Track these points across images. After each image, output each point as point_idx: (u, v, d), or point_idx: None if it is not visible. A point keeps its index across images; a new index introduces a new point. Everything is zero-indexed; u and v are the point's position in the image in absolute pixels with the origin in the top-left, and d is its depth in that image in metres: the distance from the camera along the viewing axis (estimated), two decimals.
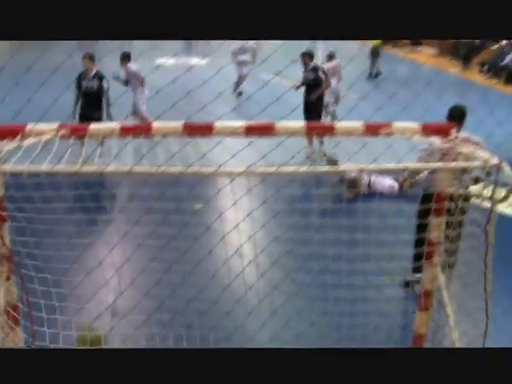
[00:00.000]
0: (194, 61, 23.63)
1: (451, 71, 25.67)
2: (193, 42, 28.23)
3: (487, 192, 4.47)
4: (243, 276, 4.95)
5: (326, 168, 4.78)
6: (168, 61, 20.29)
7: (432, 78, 17.00)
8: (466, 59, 27.43)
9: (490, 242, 4.42)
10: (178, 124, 4.46)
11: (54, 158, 3.71)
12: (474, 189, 4.83)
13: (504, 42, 26.22)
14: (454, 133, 5.10)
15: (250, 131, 4.78)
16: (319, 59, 17.55)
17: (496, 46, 26.62)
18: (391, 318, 6.55)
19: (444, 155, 4.82)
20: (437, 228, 5.14)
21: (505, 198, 4.39)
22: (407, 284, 8.02)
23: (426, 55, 30.85)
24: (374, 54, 23.98)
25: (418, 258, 5.37)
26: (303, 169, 4.50)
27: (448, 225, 5.12)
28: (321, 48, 22.76)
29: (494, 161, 4.55)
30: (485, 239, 4.41)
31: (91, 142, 4.16)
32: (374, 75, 23.51)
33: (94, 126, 4.02)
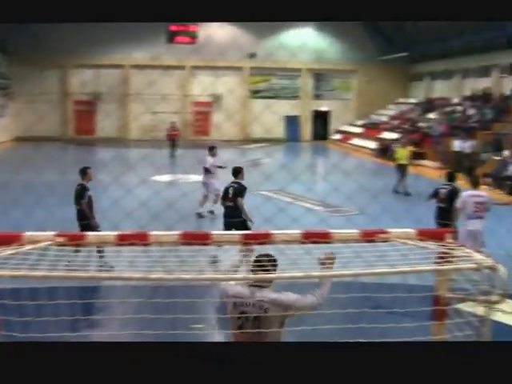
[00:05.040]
0: (193, 177, 23.79)
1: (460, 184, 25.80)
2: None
3: (481, 295, 4.50)
4: None
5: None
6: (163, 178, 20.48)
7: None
8: (469, 171, 27.74)
9: None
10: (174, 233, 4.57)
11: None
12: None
13: (507, 153, 26.60)
14: (448, 237, 5.19)
15: (249, 239, 4.88)
16: None
17: (499, 158, 27.01)
18: None
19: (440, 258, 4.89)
20: (439, 332, 5.13)
21: (497, 302, 4.41)
22: None
23: (429, 168, 31.26)
24: (401, 170, 23.80)
25: None
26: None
27: None
28: None
29: (489, 263, 4.60)
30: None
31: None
32: (402, 193, 23.09)
33: (91, 234, 4.12)
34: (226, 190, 13.44)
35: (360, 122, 47.19)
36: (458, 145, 30.37)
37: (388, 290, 5.18)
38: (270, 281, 5.40)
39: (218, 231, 4.84)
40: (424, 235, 5.11)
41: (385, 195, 19.36)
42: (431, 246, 5.00)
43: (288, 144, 45.23)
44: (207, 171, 18.55)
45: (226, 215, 13.34)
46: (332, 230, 4.96)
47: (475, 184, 12.68)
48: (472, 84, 39.37)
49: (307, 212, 13.48)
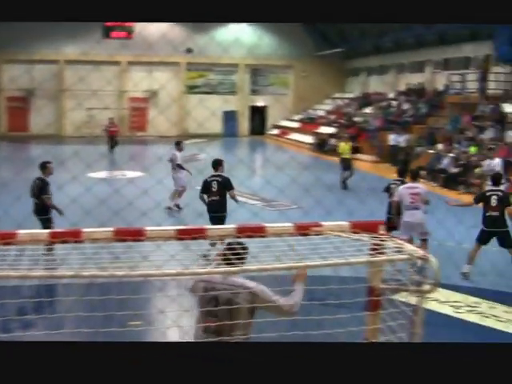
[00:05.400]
0: (128, 173, 23.57)
1: (394, 176, 26.34)
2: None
3: (414, 285, 4.57)
4: None
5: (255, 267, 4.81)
6: (99, 174, 20.30)
7: (375, 184, 17.42)
8: (404, 164, 28.23)
9: (416, 333, 4.51)
10: (107, 230, 4.50)
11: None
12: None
13: (440, 147, 27.13)
14: (382, 229, 5.25)
15: (183, 234, 4.85)
16: None
17: (433, 151, 27.54)
18: None
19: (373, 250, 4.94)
20: (373, 322, 5.19)
21: (429, 291, 4.49)
22: None
23: (365, 162, 31.67)
24: (344, 164, 24.03)
25: None
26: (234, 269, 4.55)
27: None
28: None
29: (420, 253, 4.68)
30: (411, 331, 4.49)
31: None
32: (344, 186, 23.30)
33: (22, 232, 4.03)
34: (209, 184, 13.02)
35: (297, 117, 47.54)
36: (393, 139, 30.87)
37: (322, 283, 5.23)
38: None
39: (152, 227, 4.78)
40: (357, 227, 5.16)
41: (320, 189, 19.54)
42: (364, 238, 5.05)
43: (226, 139, 45.25)
44: (179, 166, 18.59)
45: (210, 210, 12.93)
46: (266, 224, 4.97)
47: (413, 177, 12.96)
48: (407, 79, 40.05)
49: (242, 206, 13.52)
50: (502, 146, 24.02)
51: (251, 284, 5.38)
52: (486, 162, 17.76)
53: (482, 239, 12.23)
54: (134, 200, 8.58)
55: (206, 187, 13.03)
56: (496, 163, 15.91)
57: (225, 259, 5.24)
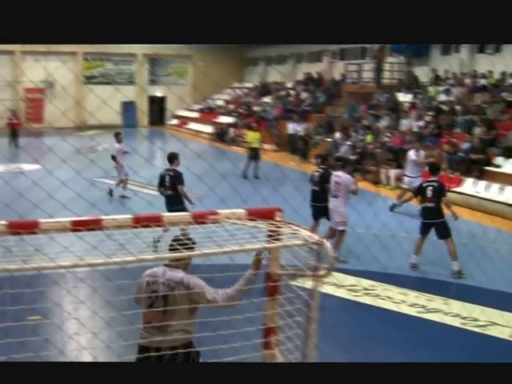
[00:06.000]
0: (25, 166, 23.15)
1: (291, 164, 26.80)
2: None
3: (310, 270, 4.67)
4: None
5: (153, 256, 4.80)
6: None
7: (272, 172, 17.60)
8: (303, 153, 28.74)
9: (313, 317, 4.62)
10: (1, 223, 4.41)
11: None
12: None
13: (338, 135, 27.67)
14: (278, 215, 5.34)
15: (78, 225, 4.79)
16: None
17: (331, 139, 28.06)
18: None
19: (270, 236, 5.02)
20: (271, 308, 5.27)
21: (325, 276, 4.61)
22: None
23: (264, 151, 31.97)
24: (252, 154, 24.22)
25: None
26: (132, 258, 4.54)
27: None
28: None
29: (315, 239, 4.78)
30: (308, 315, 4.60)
31: None
32: (251, 177, 23.33)
33: None
34: (163, 178, 13.18)
35: (196, 107, 47.42)
36: (291, 127, 31.24)
37: (219, 270, 5.28)
38: (181, 261, 5.46)
39: (47, 219, 4.69)
40: (253, 215, 5.22)
41: (216, 178, 19.62)
42: (260, 225, 5.12)
43: (125, 130, 44.55)
44: (114, 158, 19.07)
45: (167, 204, 13.02)
46: (163, 214, 4.97)
47: (342, 166, 13.34)
48: (305, 69, 40.61)
49: (135, 195, 13.49)
50: (396, 134, 24.80)
51: (187, 279, 5.44)
52: (410, 153, 18.43)
53: (423, 230, 12.54)
54: (26, 192, 8.37)
55: (160, 181, 13.25)
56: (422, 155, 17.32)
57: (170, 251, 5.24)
